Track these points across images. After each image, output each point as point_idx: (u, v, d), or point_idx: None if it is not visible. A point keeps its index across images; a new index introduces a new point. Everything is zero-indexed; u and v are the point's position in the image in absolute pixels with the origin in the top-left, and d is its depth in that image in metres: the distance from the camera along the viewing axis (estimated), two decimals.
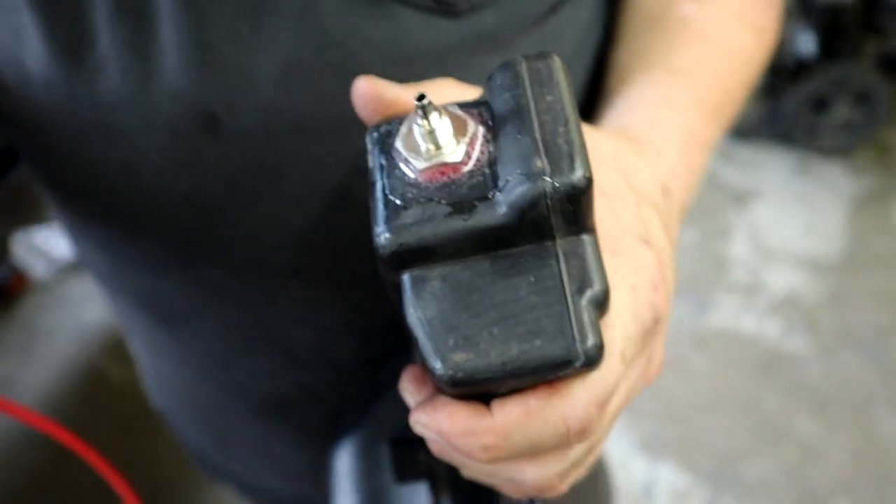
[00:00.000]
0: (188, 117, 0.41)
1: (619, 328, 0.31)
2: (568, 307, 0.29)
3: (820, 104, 2.12)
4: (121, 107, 0.42)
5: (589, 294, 0.29)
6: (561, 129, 0.30)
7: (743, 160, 2.20)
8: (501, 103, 0.32)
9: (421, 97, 0.30)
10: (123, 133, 0.43)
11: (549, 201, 0.28)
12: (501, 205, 0.29)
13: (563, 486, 0.35)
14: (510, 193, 0.29)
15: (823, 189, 2.12)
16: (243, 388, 0.56)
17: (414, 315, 0.31)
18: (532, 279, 0.30)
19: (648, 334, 0.33)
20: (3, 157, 0.67)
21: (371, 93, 0.35)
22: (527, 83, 0.31)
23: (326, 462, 0.52)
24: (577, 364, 0.28)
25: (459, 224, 0.30)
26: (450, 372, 0.29)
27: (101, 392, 1.40)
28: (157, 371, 0.66)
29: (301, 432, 0.58)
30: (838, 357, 1.68)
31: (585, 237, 0.30)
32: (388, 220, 0.31)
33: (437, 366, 0.30)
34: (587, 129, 0.35)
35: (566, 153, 0.29)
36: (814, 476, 1.49)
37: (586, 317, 0.29)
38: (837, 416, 1.58)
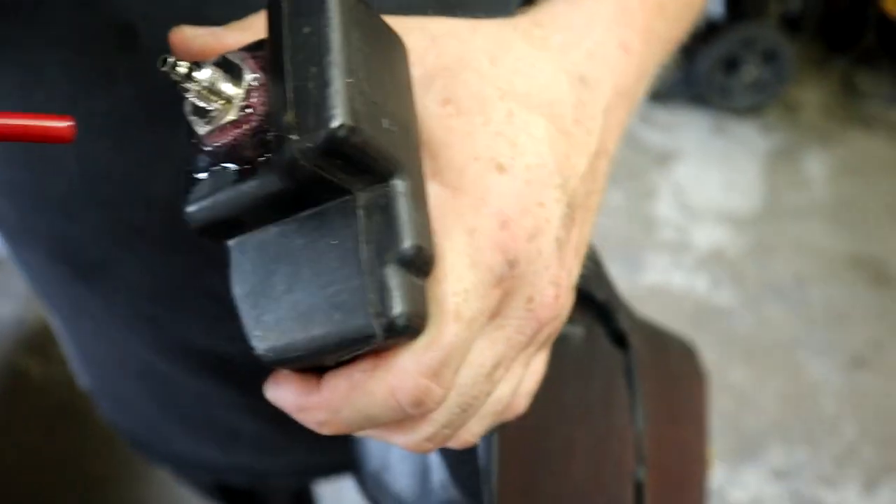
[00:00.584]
0: (99, 29, 0.37)
1: (450, 282, 0.27)
2: (367, 273, 0.26)
3: (730, 65, 2.19)
4: (16, 13, 0.37)
5: (394, 254, 0.26)
6: (313, 70, 0.26)
7: (662, 122, 2.25)
8: (269, 43, 0.27)
9: (164, 60, 0.26)
10: (20, 47, 0.38)
11: (305, 161, 0.25)
12: (274, 168, 0.26)
13: (446, 444, 0.32)
14: (274, 155, 0.26)
15: (739, 147, 2.20)
16: (175, 346, 0.52)
17: (234, 290, 0.29)
18: (334, 242, 0.27)
19: (501, 281, 0.29)
20: None
21: (181, 46, 0.31)
22: (285, 14, 0.27)
23: None
24: (378, 338, 0.26)
25: (245, 191, 0.27)
26: (262, 351, 0.28)
27: (22, 390, 1.32)
28: (81, 341, 0.61)
29: (243, 394, 0.54)
30: (763, 306, 1.75)
31: (394, 184, 0.27)
32: (187, 193, 0.28)
33: (254, 345, 0.28)
34: (437, 23, 0.31)
35: (314, 101, 0.25)
36: (748, 422, 1.54)
37: (391, 281, 0.26)
38: (766, 362, 1.64)
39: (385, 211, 0.26)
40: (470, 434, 0.32)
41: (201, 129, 0.27)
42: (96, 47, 0.37)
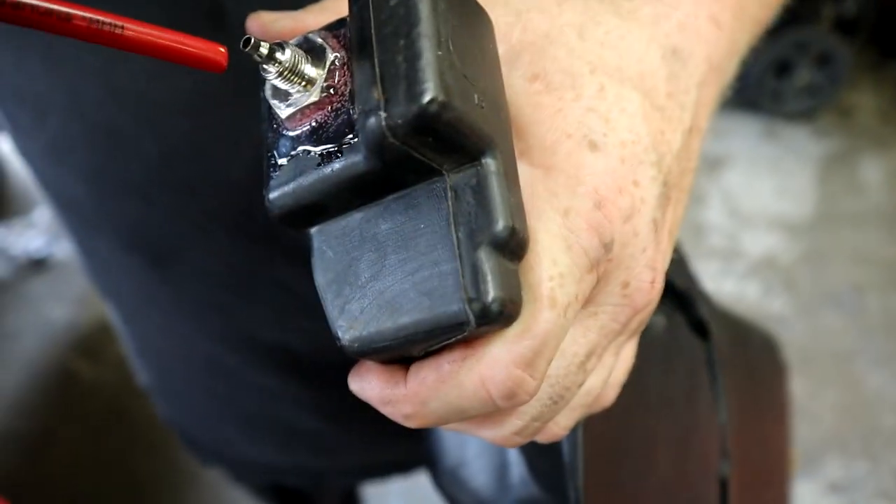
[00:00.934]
0: (188, 6, 0.37)
1: (544, 266, 0.26)
2: (458, 257, 0.25)
3: (782, 69, 2.14)
4: None
5: (486, 236, 0.25)
6: (402, 43, 0.24)
7: (711, 128, 2.20)
8: (352, 19, 0.26)
9: (246, 40, 0.25)
10: None
11: (394, 139, 0.23)
12: (361, 148, 0.25)
13: (530, 439, 0.30)
14: (361, 134, 0.25)
15: (791, 153, 2.14)
16: (242, 338, 0.52)
17: (316, 278, 0.27)
18: (423, 226, 0.26)
19: (597, 264, 0.27)
20: None
21: (259, 31, 0.30)
22: None
23: None
24: (471, 325, 0.24)
25: (328, 175, 0.26)
26: (347, 342, 0.26)
27: (72, 392, 1.34)
28: (145, 335, 0.60)
29: (308, 388, 0.53)
30: (818, 315, 1.70)
31: (485, 162, 0.25)
32: (269, 180, 0.27)
33: (338, 335, 0.27)
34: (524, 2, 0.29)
35: (403, 75, 0.24)
36: (804, 434, 1.49)
37: (484, 265, 0.24)
38: (822, 373, 1.59)
39: (476, 191, 0.25)
40: (558, 427, 0.31)
41: (283, 111, 0.26)
42: (184, 25, 0.37)
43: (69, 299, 1.41)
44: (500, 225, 0.25)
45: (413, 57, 0.24)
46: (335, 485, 0.75)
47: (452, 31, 0.25)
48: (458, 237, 0.25)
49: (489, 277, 0.24)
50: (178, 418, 0.66)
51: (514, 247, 0.25)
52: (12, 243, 1.47)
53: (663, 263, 0.30)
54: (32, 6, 0.21)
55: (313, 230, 0.28)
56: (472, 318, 0.24)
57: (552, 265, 0.26)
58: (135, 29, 0.23)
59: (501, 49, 0.29)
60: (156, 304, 0.53)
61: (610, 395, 0.33)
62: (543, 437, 0.31)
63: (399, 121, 0.23)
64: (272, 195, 0.27)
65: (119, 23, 0.23)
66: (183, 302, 0.51)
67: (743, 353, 0.45)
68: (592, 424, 0.34)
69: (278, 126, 0.27)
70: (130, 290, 0.55)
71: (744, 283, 1.79)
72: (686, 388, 0.41)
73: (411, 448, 0.59)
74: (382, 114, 0.23)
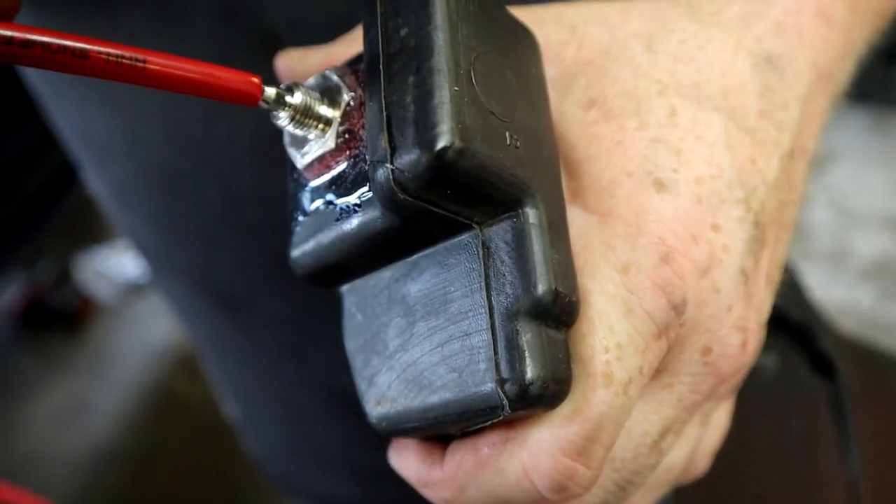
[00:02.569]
0: (243, 40, 0.35)
1: (598, 336, 0.22)
2: (490, 328, 0.21)
3: (892, 56, 2.00)
4: (157, 30, 0.36)
5: (525, 302, 0.21)
6: (411, 80, 0.20)
7: None
8: (365, 51, 0.23)
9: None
10: None
11: (404, 193, 0.20)
12: (376, 203, 0.22)
13: None
14: (372, 188, 0.21)
15: None
16: (317, 381, 0.50)
17: (346, 344, 0.25)
18: (453, 290, 0.22)
19: (666, 330, 0.23)
20: (60, 178, 0.63)
21: (287, 72, 0.27)
22: (379, 15, 0.22)
23: None
24: (505, 409, 0.21)
25: (347, 232, 0.23)
26: (375, 420, 0.24)
27: (171, 410, 1.38)
28: (227, 374, 0.60)
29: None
30: None
31: (522, 213, 0.21)
32: (291, 236, 0.24)
33: (366, 411, 0.24)
34: (578, 10, 0.25)
35: (412, 118, 0.20)
36: None
37: (522, 337, 0.21)
38: None
39: (512, 248, 0.21)
40: None
41: (299, 161, 0.24)
42: (239, 61, 0.36)
43: (167, 321, 1.46)
44: (541, 289, 0.21)
45: (424, 96, 0.20)
46: None
47: (478, 60, 0.21)
48: (490, 303, 0.21)
49: (527, 353, 0.21)
50: (262, 454, 0.65)
51: (559, 314, 0.21)
52: (115, 267, 1.53)
53: (758, 320, 0.25)
54: (43, 43, 0.19)
55: (344, 289, 0.26)
56: (505, 401, 0.21)
57: (608, 334, 0.22)
58: (158, 62, 0.21)
59: (553, 72, 0.25)
60: (232, 346, 0.52)
61: (701, 466, 0.29)
62: None
63: (408, 174, 0.20)
64: (293, 254, 0.25)
65: (141, 57, 0.21)
66: (257, 345, 0.50)
67: (883, 391, 0.40)
68: (685, 490, 0.30)
69: (298, 177, 0.25)
70: (207, 331, 0.54)
71: (855, 289, 1.67)
72: (805, 437, 0.36)
73: None
74: (389, 166, 0.20)
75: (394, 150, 0.20)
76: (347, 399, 0.50)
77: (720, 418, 0.29)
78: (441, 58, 0.21)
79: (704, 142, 0.24)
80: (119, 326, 1.49)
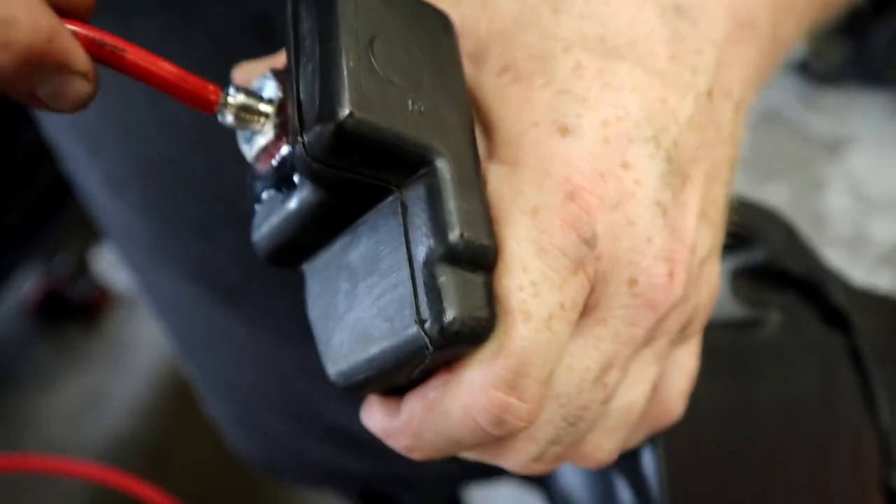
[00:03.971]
0: (237, 22, 0.36)
1: (514, 275, 0.23)
2: (412, 277, 0.23)
3: None
4: (152, 16, 0.36)
5: (439, 250, 0.23)
6: (314, 63, 0.23)
7: (831, 107, 2.07)
8: (286, 45, 0.26)
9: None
10: (157, 51, 0.37)
11: (318, 164, 0.23)
12: (303, 179, 0.25)
13: (556, 465, 0.27)
14: (294, 162, 0.24)
15: None
16: (321, 367, 0.51)
17: (309, 316, 0.27)
18: (382, 248, 0.24)
19: (581, 264, 0.24)
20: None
21: (242, 82, 0.29)
22: (289, 13, 0.25)
23: None
24: (431, 349, 0.23)
25: (290, 211, 0.25)
26: (333, 377, 0.26)
27: (188, 400, 1.39)
28: (215, 369, 0.60)
29: None
30: None
31: (429, 171, 0.23)
32: (252, 224, 0.27)
33: (328, 371, 0.26)
34: None
35: (316, 95, 0.23)
36: None
37: (438, 281, 0.22)
38: None
39: (425, 203, 0.23)
40: (597, 449, 0.28)
41: (249, 154, 0.26)
42: (232, 44, 0.36)
43: None
44: (450, 235, 0.23)
45: (324, 73, 0.23)
46: (434, 488, 0.73)
47: (378, 39, 0.23)
48: (410, 255, 0.23)
49: (442, 293, 0.22)
50: (252, 448, 0.65)
51: (472, 257, 0.23)
52: None
53: (687, 253, 0.26)
54: None
55: (304, 266, 0.28)
56: (426, 340, 0.22)
57: (522, 273, 0.23)
58: (136, 55, 0.23)
59: (470, 46, 0.27)
60: (228, 337, 0.53)
61: (673, 409, 0.30)
62: (583, 462, 0.28)
63: (317, 145, 0.22)
64: (253, 239, 0.27)
65: (121, 46, 0.23)
66: (256, 335, 0.50)
67: None
68: (678, 448, 0.30)
69: (251, 170, 0.27)
70: (198, 323, 0.55)
71: (874, 274, 1.66)
72: (821, 391, 0.36)
73: None
74: (300, 139, 0.23)
75: (303, 126, 0.23)
76: None
77: (685, 361, 0.30)
78: (338, 40, 0.23)
79: (610, 87, 0.25)
80: (135, 317, 1.50)
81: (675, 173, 0.25)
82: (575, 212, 0.24)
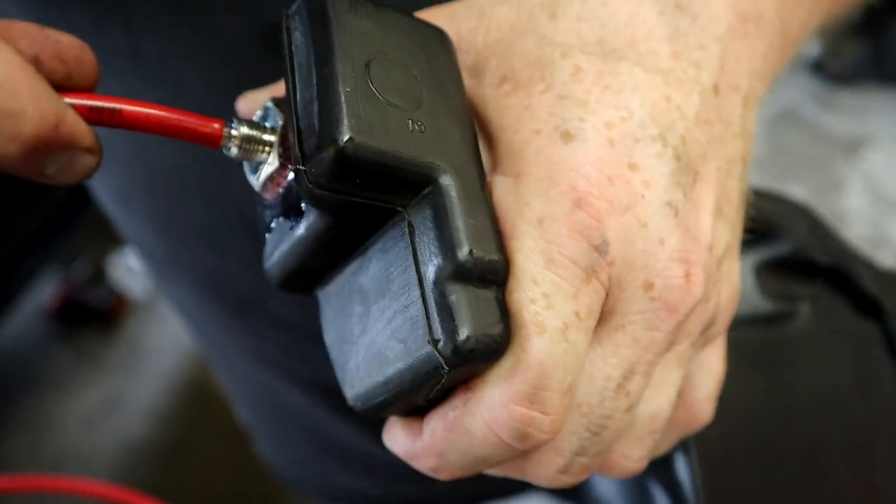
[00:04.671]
0: (242, 33, 0.36)
1: (524, 289, 0.23)
2: (422, 297, 0.23)
3: None
4: (156, 26, 0.36)
5: (448, 268, 0.22)
6: (310, 90, 0.23)
7: (848, 107, 2.05)
8: (284, 77, 0.26)
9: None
10: (161, 61, 0.37)
11: (321, 191, 0.23)
12: (309, 206, 0.25)
13: (584, 477, 0.27)
14: (299, 191, 0.24)
15: None
16: (332, 388, 0.50)
17: (325, 339, 0.27)
18: (393, 270, 0.24)
19: (593, 271, 0.23)
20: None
21: (245, 112, 0.29)
22: (285, 41, 0.25)
23: None
24: (446, 369, 0.22)
25: (299, 238, 0.26)
26: (351, 402, 0.25)
27: (203, 405, 1.40)
28: (237, 380, 0.60)
29: None
30: None
31: (433, 189, 0.23)
32: (264, 253, 0.27)
33: (346, 395, 0.26)
34: None
35: (315, 122, 0.23)
36: None
37: (448, 300, 0.22)
38: None
39: (432, 222, 0.23)
40: (625, 459, 0.28)
41: (256, 185, 0.26)
42: (238, 55, 0.36)
43: None
44: (458, 252, 0.22)
45: (321, 100, 0.23)
46: None
47: (374, 62, 0.24)
48: (420, 275, 0.23)
49: (454, 312, 0.22)
50: (274, 456, 0.65)
51: (481, 273, 0.23)
52: None
53: (705, 252, 0.25)
54: None
55: (318, 292, 0.28)
56: (441, 359, 0.22)
57: (533, 286, 0.23)
58: (133, 111, 0.24)
59: (469, 60, 0.27)
60: (241, 350, 0.52)
61: (702, 413, 0.29)
62: (611, 473, 0.28)
63: (318, 172, 0.22)
64: (265, 267, 0.27)
65: (118, 107, 0.24)
66: (267, 350, 0.50)
67: None
68: (711, 448, 0.30)
69: (261, 199, 0.27)
70: (214, 335, 0.54)
71: None
72: (855, 380, 0.35)
73: None
74: (302, 168, 0.23)
75: (303, 154, 0.23)
76: None
77: (711, 363, 0.29)
78: (333, 66, 0.23)
79: (611, 89, 0.24)
80: (151, 323, 1.51)
81: (685, 171, 0.25)
82: (583, 219, 0.23)
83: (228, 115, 0.38)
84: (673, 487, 0.33)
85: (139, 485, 1.27)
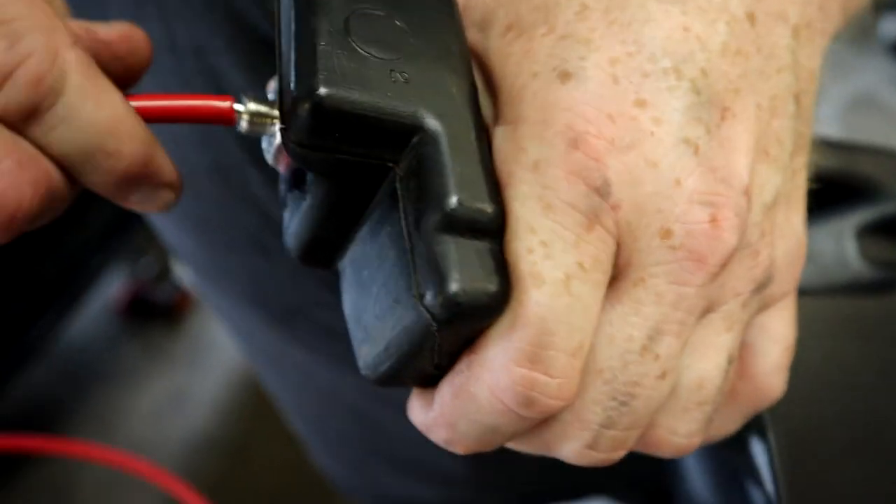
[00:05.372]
0: (262, 49, 0.35)
1: (520, 238, 0.21)
2: (410, 250, 0.22)
3: None
4: (192, 12, 0.36)
5: (434, 217, 0.21)
6: (288, 51, 0.23)
7: None
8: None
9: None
10: (201, 53, 0.37)
11: (303, 150, 0.22)
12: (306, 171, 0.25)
13: (618, 454, 0.24)
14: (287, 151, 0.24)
15: None
16: (383, 390, 0.49)
17: (345, 313, 0.26)
18: (389, 229, 0.24)
19: (596, 216, 0.22)
20: None
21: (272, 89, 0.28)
22: (276, 8, 0.26)
23: None
24: (434, 326, 0.21)
25: (308, 209, 0.25)
26: (362, 372, 0.24)
27: (268, 399, 1.42)
28: (286, 390, 0.59)
29: None
30: None
31: (418, 140, 0.22)
32: (282, 227, 0.28)
33: (359, 365, 0.25)
34: None
35: (291, 81, 0.23)
36: None
37: (437, 250, 0.21)
38: None
39: (418, 173, 0.22)
40: (672, 434, 0.25)
41: (269, 158, 0.26)
42: (267, 44, 0.35)
43: None
44: (444, 202, 0.21)
45: (296, 58, 0.23)
46: None
47: (354, 16, 0.23)
48: (409, 230, 0.22)
49: (439, 263, 0.21)
50: (331, 463, 0.64)
51: (475, 224, 0.21)
52: None
53: (737, 194, 0.22)
54: None
55: (339, 265, 0.27)
56: (428, 316, 0.21)
57: (529, 234, 0.21)
58: (142, 104, 0.24)
59: (477, 15, 0.26)
60: (290, 359, 0.51)
61: (772, 385, 0.26)
62: (660, 450, 0.25)
63: (295, 129, 0.22)
64: (284, 241, 0.27)
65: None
66: (317, 358, 0.49)
67: None
68: (800, 429, 0.27)
69: (276, 173, 0.27)
70: (262, 345, 0.54)
71: None
72: None
73: (585, 475, 0.53)
74: (281, 126, 0.23)
75: (283, 113, 0.23)
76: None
77: (776, 327, 0.26)
78: (309, 23, 0.23)
79: (618, 24, 0.22)
80: (214, 318, 1.53)
81: (708, 105, 0.23)
82: (579, 159, 0.22)
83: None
84: (755, 476, 0.30)
85: (202, 477, 1.30)
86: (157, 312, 1.51)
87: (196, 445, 1.33)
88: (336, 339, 0.46)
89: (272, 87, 0.26)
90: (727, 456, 0.31)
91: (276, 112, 0.25)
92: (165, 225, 0.49)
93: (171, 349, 1.49)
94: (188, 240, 0.47)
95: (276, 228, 0.41)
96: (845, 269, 0.31)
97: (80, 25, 0.24)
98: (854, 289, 0.30)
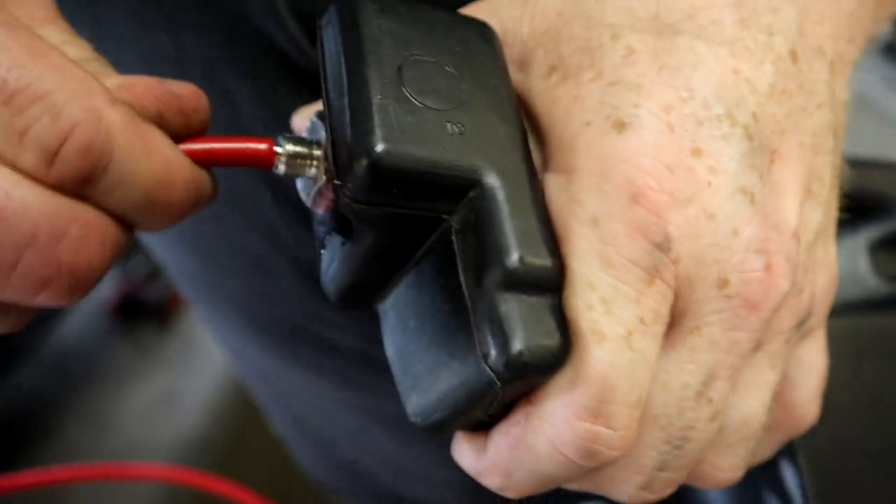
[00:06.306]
0: (272, 62, 0.35)
1: (580, 295, 0.21)
2: (473, 308, 0.21)
3: None
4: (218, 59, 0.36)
5: (495, 276, 0.21)
6: (341, 102, 0.22)
7: None
8: (321, 89, 0.25)
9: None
10: (210, 68, 0.36)
11: (359, 206, 0.22)
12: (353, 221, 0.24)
13: (669, 492, 0.25)
14: (339, 205, 0.23)
15: None
16: (382, 412, 0.49)
17: (387, 353, 0.26)
18: (442, 281, 0.23)
19: (657, 271, 0.22)
20: None
21: (299, 128, 0.28)
22: (319, 43, 0.25)
23: None
24: (499, 385, 0.21)
25: (350, 255, 0.25)
26: (411, 418, 0.24)
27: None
28: (279, 398, 0.59)
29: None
30: None
31: (476, 194, 0.22)
32: (320, 270, 0.27)
33: (407, 411, 0.25)
34: None
35: (347, 135, 0.22)
36: None
37: (497, 311, 0.21)
38: None
39: (476, 228, 0.22)
40: (717, 470, 0.25)
41: (308, 201, 0.25)
42: (289, 63, 0.35)
43: None
44: (508, 259, 0.21)
45: (352, 111, 0.22)
46: None
47: (406, 64, 0.22)
48: (469, 286, 0.21)
49: (503, 323, 0.20)
50: (319, 466, 0.64)
51: (535, 281, 0.21)
52: None
53: (788, 240, 0.22)
54: None
55: (378, 306, 0.27)
56: (492, 374, 0.21)
57: (589, 291, 0.21)
58: (186, 148, 0.23)
59: (516, 52, 0.25)
60: (288, 376, 0.51)
61: (808, 413, 0.27)
62: (705, 484, 0.25)
63: (354, 186, 0.21)
64: (323, 284, 0.27)
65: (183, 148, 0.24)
66: (318, 377, 0.48)
67: None
68: (826, 450, 0.27)
69: (314, 216, 0.27)
70: (258, 361, 0.53)
71: None
72: None
73: None
74: (338, 183, 0.22)
75: (337, 167, 0.22)
76: (414, 428, 0.49)
77: (811, 358, 0.27)
78: (363, 74, 0.22)
79: (668, 68, 0.22)
80: None
81: (760, 151, 0.23)
82: (641, 215, 0.21)
83: (277, 126, 0.37)
84: (784, 497, 0.30)
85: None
86: (147, 312, 1.51)
87: (187, 445, 1.32)
88: (338, 355, 0.46)
89: (305, 126, 0.26)
90: (749, 471, 0.31)
91: (314, 153, 0.24)
92: (163, 244, 0.48)
93: (162, 349, 1.48)
94: (188, 259, 0.46)
95: (283, 249, 0.41)
96: (859, 285, 0.31)
97: (154, 81, 0.24)
98: (870, 305, 0.30)
